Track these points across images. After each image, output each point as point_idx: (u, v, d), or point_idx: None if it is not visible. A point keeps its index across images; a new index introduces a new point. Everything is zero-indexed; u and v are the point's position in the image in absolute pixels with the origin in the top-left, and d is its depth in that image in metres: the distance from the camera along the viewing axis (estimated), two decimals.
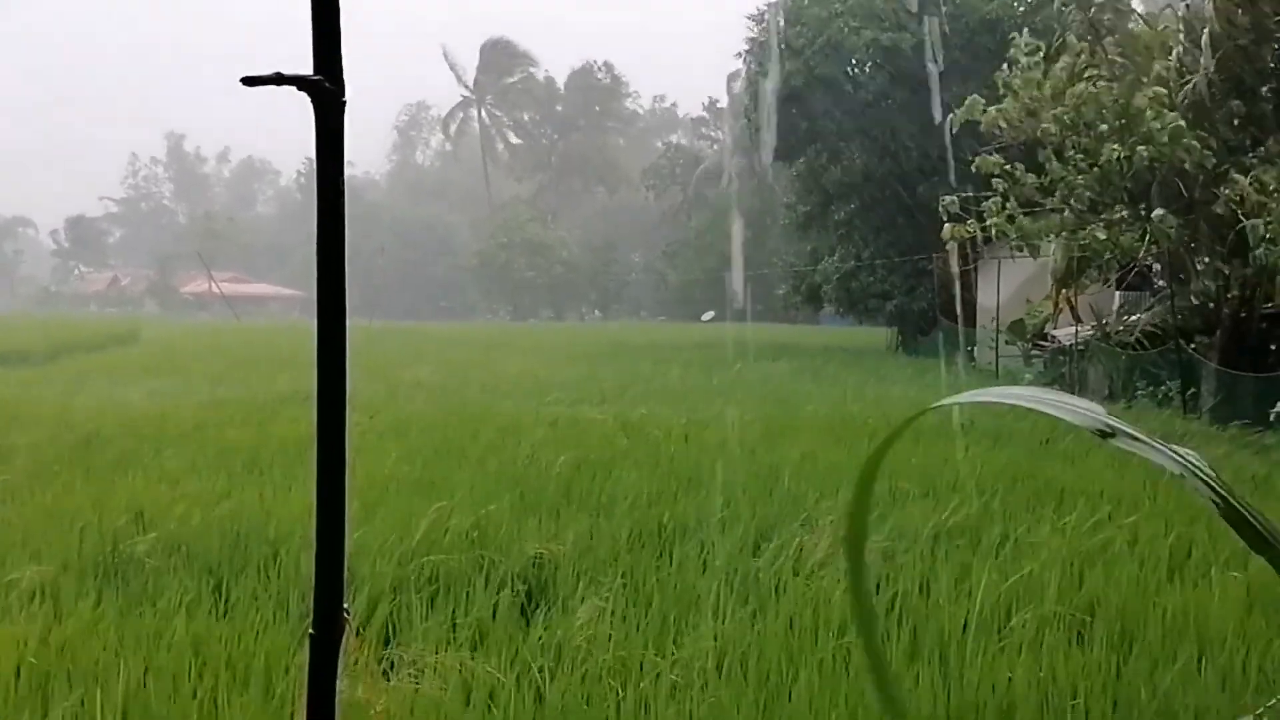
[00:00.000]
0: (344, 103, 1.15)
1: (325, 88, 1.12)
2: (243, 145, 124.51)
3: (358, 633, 5.16)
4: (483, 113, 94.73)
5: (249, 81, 1.08)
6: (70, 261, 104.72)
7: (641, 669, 5.04)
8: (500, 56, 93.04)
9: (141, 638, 5.12)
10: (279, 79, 1.08)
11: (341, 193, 1.15)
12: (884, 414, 13.59)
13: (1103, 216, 17.08)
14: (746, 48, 39.39)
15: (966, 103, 17.65)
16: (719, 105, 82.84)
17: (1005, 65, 18.71)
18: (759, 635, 5.46)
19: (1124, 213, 16.89)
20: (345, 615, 1.30)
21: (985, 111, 17.59)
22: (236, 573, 6.24)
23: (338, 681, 1.30)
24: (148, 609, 5.58)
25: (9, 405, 13.70)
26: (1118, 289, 20.44)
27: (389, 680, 4.81)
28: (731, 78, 78.60)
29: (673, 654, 5.22)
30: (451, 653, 5.06)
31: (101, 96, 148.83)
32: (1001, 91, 17.76)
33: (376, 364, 21.74)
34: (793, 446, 10.60)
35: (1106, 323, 19.18)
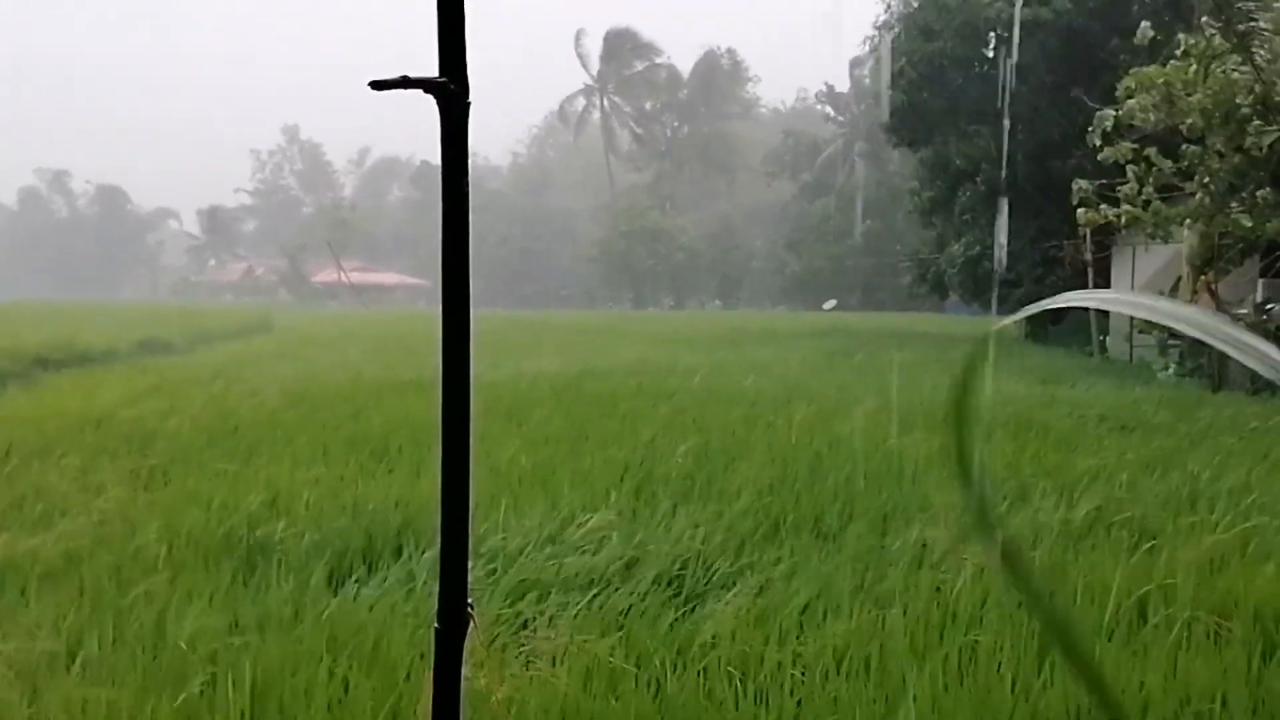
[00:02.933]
0: (468, 104, 1.16)
1: (450, 90, 1.13)
2: (371, 135, 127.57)
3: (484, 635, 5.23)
4: (605, 101, 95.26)
5: (377, 85, 1.09)
6: (206, 252, 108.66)
7: (762, 663, 5.02)
8: (623, 45, 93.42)
9: (271, 620, 5.29)
10: (405, 82, 1.09)
11: (466, 194, 1.15)
12: (1012, 405, 13.27)
13: (1243, 199, 16.44)
14: (874, 30, 38.77)
15: (1126, 106, 17.03)
16: (838, 91, 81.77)
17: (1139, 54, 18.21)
18: (881, 630, 5.39)
19: (1268, 196, 16.20)
20: (469, 610, 1.31)
21: (1127, 101, 17.03)
22: (366, 558, 6.39)
23: (462, 675, 1.31)
24: (278, 591, 5.75)
25: (152, 393, 14.28)
26: (1261, 277, 19.65)
27: (526, 670, 4.88)
28: (854, 63, 77.69)
29: (794, 648, 5.19)
30: (574, 643, 5.10)
31: (237, 90, 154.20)
32: (1133, 87, 17.14)
33: (499, 352, 22.04)
34: (917, 437, 10.41)
35: (1246, 312, 18.40)
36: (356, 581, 6.01)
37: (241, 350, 25.19)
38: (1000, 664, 4.94)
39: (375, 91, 1.09)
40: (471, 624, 1.34)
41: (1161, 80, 16.68)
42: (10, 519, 7.07)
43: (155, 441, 10.38)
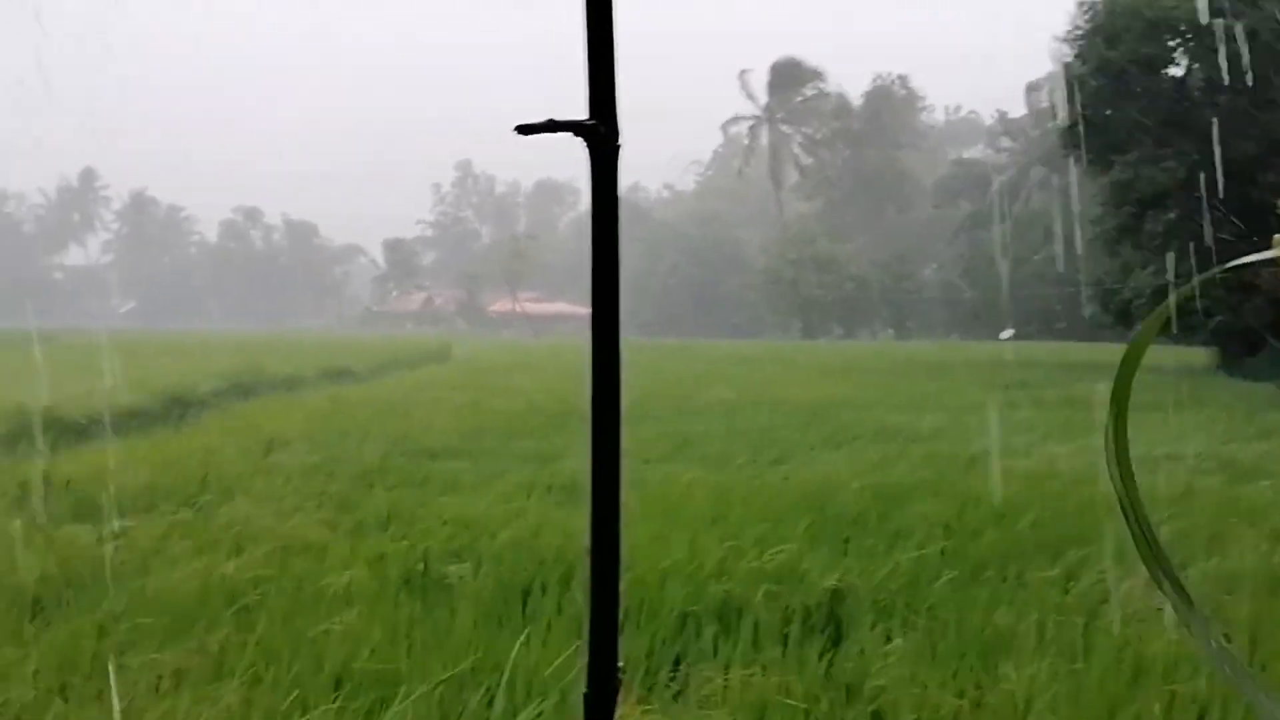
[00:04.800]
0: (618, 147, 1.11)
1: (600, 132, 1.09)
2: (543, 167, 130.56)
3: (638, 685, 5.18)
4: (773, 131, 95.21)
5: (524, 130, 1.05)
6: (389, 283, 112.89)
7: (939, 710, 4.82)
8: (790, 75, 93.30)
9: (439, 648, 5.36)
10: (552, 126, 1.06)
11: (615, 236, 1.11)
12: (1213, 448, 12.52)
13: None
14: (1056, 41, 37.31)
15: None
16: (1010, 116, 79.69)
17: None
18: (1070, 678, 5.11)
19: None
20: (619, 673, 1.26)
21: None
22: (534, 590, 6.41)
23: None
24: (448, 620, 5.83)
25: (336, 419, 14.83)
26: None
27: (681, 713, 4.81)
28: (1030, 87, 75.64)
29: (974, 695, 4.97)
30: (739, 682, 5.00)
31: (408, 123, 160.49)
32: None
33: (669, 382, 22.15)
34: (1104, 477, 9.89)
35: None
36: (530, 617, 6.01)
37: (420, 378, 25.98)
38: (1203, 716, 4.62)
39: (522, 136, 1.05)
40: (622, 689, 1.28)
41: None
42: (205, 546, 7.37)
43: (338, 467, 10.76)
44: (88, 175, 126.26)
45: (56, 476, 9.73)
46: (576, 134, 1.08)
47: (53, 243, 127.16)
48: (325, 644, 5.30)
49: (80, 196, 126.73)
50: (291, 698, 4.71)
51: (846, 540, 7.67)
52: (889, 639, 5.69)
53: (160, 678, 4.88)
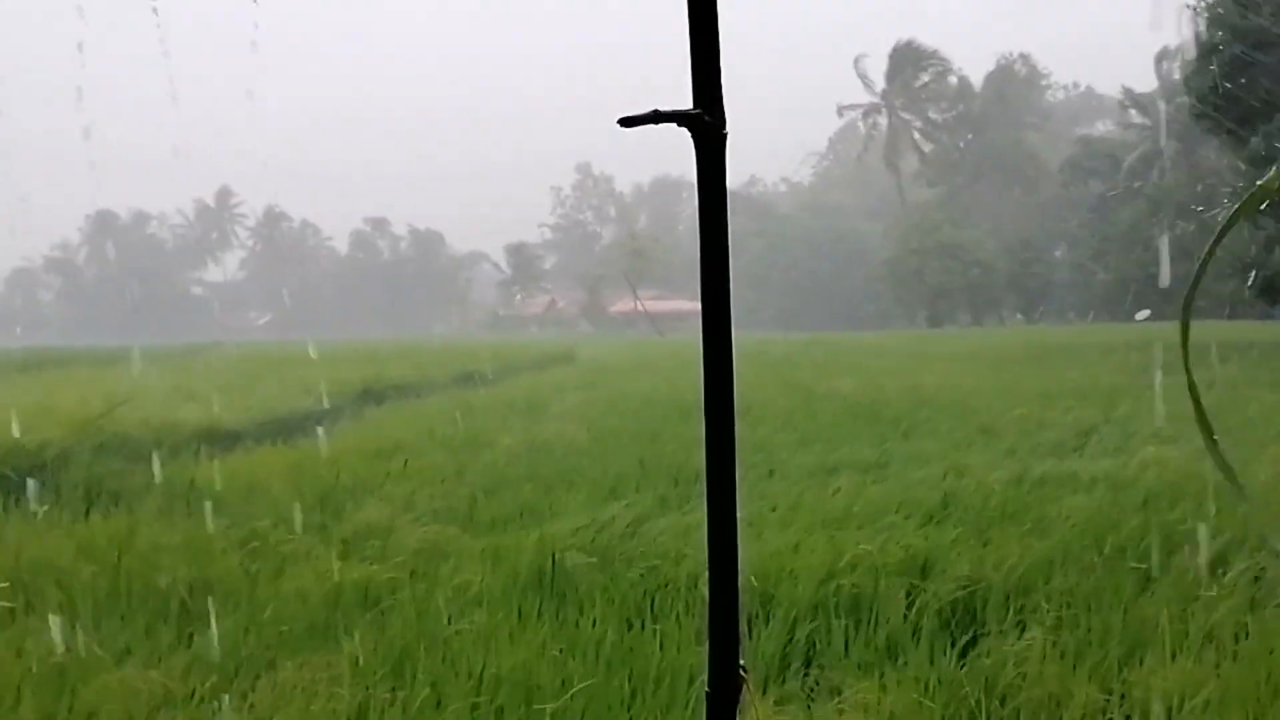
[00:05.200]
0: (725, 135, 1.09)
1: (705, 121, 1.07)
2: (660, 165, 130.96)
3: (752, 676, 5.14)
4: (893, 117, 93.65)
5: (627, 122, 1.04)
6: (514, 287, 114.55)
7: (1084, 707, 4.67)
8: (909, 59, 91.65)
9: (574, 648, 5.40)
10: (656, 117, 1.04)
11: (724, 227, 1.09)
12: None
13: None
14: (1185, 6, 35.82)
15: None
16: (1137, 91, 76.84)
17: None
18: (1218, 675, 4.90)
19: None
20: (742, 672, 1.23)
21: None
22: (663, 591, 6.40)
23: None
24: (578, 620, 5.87)
25: (464, 422, 15.08)
26: None
27: (809, 707, 4.76)
28: (1160, 56, 72.83)
29: (1119, 691, 4.80)
30: (872, 680, 4.93)
31: (527, 127, 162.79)
32: None
33: (792, 376, 21.95)
34: (1253, 463, 9.44)
35: None
36: (659, 618, 6.01)
37: (546, 380, 26.27)
38: None
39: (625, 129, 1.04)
40: (744, 688, 1.26)
41: None
42: (340, 550, 7.58)
43: (467, 472, 10.94)
44: (224, 194, 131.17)
45: (203, 483, 10.13)
46: (681, 124, 1.06)
47: (193, 260, 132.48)
48: (459, 645, 5.38)
49: (217, 215, 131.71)
50: (422, 696, 4.80)
51: (987, 532, 7.50)
52: (1026, 632, 5.53)
53: (297, 680, 5.02)
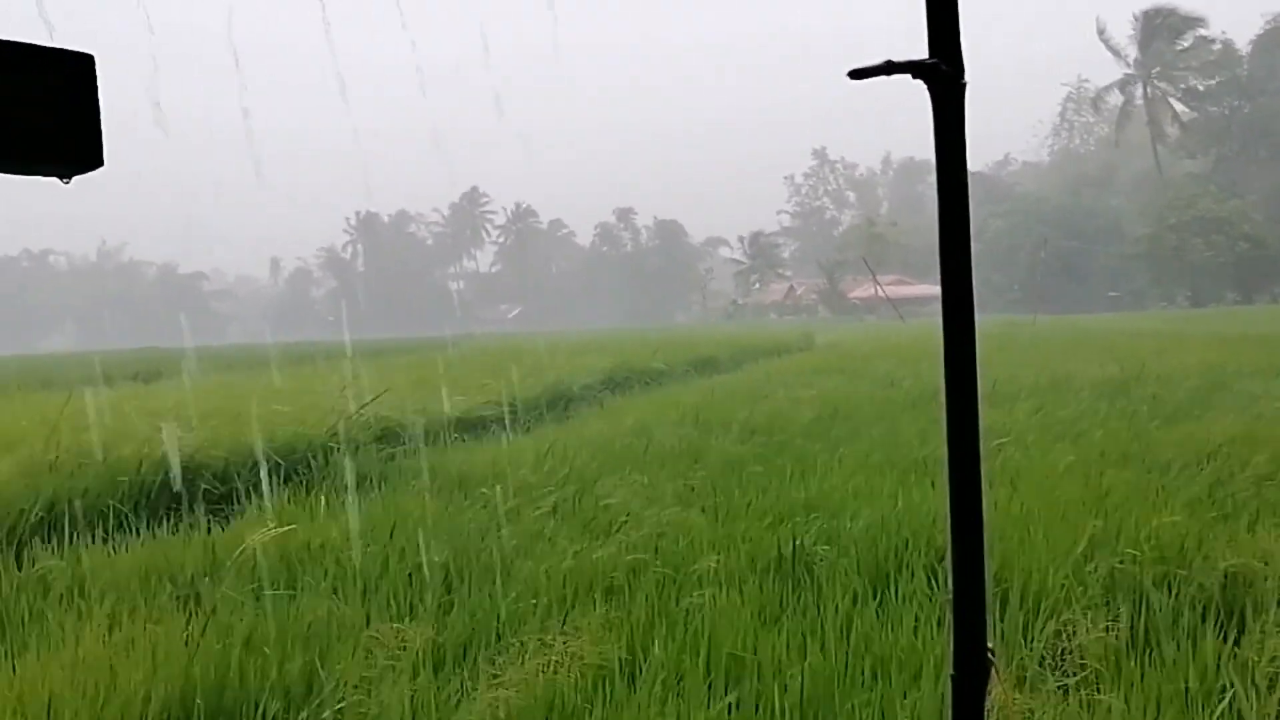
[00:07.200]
0: (964, 85, 1.03)
1: (942, 71, 1.02)
2: (902, 148, 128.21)
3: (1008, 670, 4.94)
4: (1148, 88, 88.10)
5: (856, 75, 1.00)
6: (752, 275, 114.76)
7: None
8: (1164, 24, 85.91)
9: (815, 632, 5.35)
10: (890, 68, 0.99)
11: (964, 182, 1.03)
12: None
13: None
14: None
15: None
16: None
17: None
18: None
19: None
20: (990, 656, 1.18)
21: None
22: (901, 574, 6.28)
23: None
24: (818, 604, 5.81)
25: (703, 408, 15.19)
26: None
27: (1065, 699, 4.55)
28: None
29: None
30: (1130, 674, 4.66)
31: (767, 114, 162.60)
32: None
33: (1041, 359, 21.04)
34: None
35: None
36: (894, 596, 5.92)
37: (782, 366, 26.17)
38: None
39: (855, 82, 1.00)
40: (994, 671, 1.20)
41: None
42: (582, 532, 7.78)
43: (705, 455, 11.02)
44: (472, 194, 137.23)
45: (455, 467, 10.61)
46: (916, 76, 1.02)
47: (449, 255, 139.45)
48: (697, 625, 5.43)
49: (468, 213, 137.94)
50: (661, 679, 4.85)
51: (1255, 520, 6.99)
52: None
53: (539, 651, 5.19)
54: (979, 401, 1.09)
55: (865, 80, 1.01)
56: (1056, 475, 8.78)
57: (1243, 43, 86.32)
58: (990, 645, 1.15)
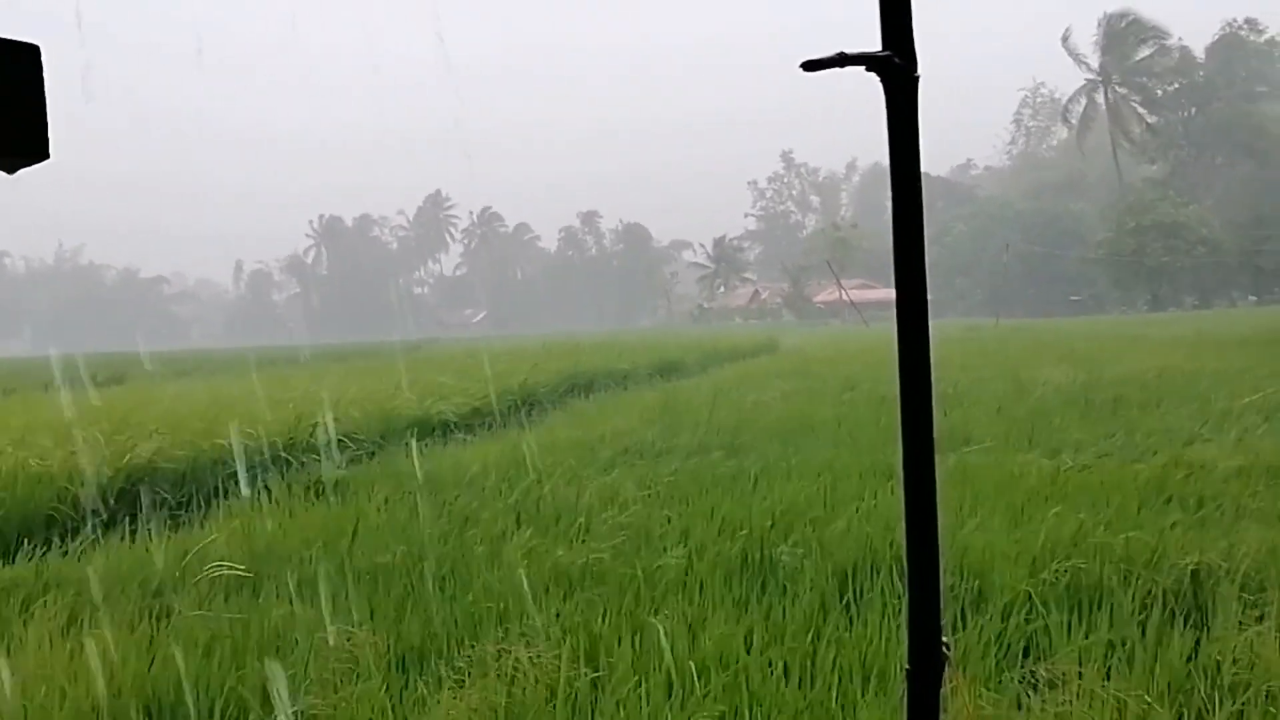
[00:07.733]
0: (916, 78, 1.03)
1: (895, 64, 1.01)
2: (868, 153, 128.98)
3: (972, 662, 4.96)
4: (1109, 94, 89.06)
5: (809, 66, 1.00)
6: (716, 279, 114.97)
7: None
8: (1125, 31, 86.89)
9: (774, 633, 5.35)
10: (842, 60, 0.99)
11: (918, 177, 1.03)
12: None
13: None
14: None
15: None
16: None
17: None
18: None
19: None
20: (945, 650, 1.18)
21: None
22: (867, 577, 6.29)
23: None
24: (784, 606, 5.81)
25: (666, 412, 15.20)
26: None
27: (1029, 697, 4.58)
28: None
29: None
30: (1093, 673, 4.69)
31: (729, 118, 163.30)
32: None
33: (1003, 362, 21.21)
34: None
35: None
36: (858, 599, 5.93)
37: (746, 370, 26.22)
38: None
39: (807, 73, 1.00)
40: (947, 666, 1.20)
41: None
42: (551, 533, 7.74)
43: (669, 458, 11.01)
44: (436, 198, 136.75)
45: (420, 470, 10.55)
46: (869, 68, 1.01)
47: (413, 259, 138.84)
48: (659, 627, 5.42)
49: (432, 216, 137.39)
50: (631, 684, 4.84)
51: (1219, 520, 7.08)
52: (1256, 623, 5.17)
53: (500, 654, 5.16)
54: (933, 398, 1.09)
55: (819, 72, 1.00)
56: (1016, 471, 8.85)
57: (1199, 49, 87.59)
58: (945, 640, 1.15)
